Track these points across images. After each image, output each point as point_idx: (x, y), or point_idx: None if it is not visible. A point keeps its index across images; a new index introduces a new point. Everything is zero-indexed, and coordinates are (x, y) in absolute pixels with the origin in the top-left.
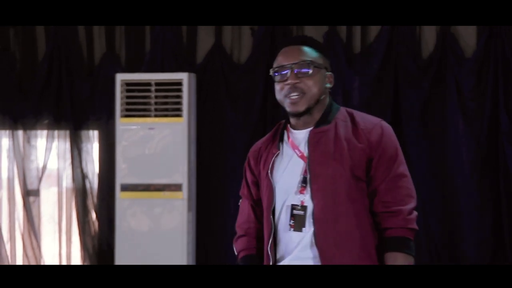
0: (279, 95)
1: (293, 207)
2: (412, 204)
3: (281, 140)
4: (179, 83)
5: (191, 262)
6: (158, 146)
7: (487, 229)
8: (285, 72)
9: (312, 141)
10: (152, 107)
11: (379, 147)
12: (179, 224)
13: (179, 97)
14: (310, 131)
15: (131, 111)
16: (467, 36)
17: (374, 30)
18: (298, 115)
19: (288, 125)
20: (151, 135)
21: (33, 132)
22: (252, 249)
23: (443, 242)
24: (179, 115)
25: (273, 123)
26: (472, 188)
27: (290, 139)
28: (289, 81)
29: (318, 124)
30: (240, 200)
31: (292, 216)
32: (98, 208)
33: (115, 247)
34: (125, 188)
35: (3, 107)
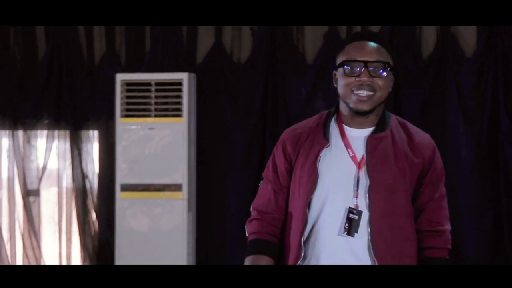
0: (344, 89)
1: (351, 210)
2: (449, 225)
3: (328, 131)
4: (179, 83)
5: (191, 262)
6: (158, 146)
7: (487, 229)
8: (357, 67)
9: (370, 146)
10: (152, 107)
11: (431, 164)
12: (179, 224)
13: (179, 97)
14: (368, 137)
15: (131, 111)
16: (467, 36)
17: (374, 30)
18: (361, 113)
19: (341, 120)
20: (151, 135)
21: (33, 132)
22: (264, 235)
23: None
24: (179, 115)
25: (273, 123)
26: (472, 188)
27: (346, 136)
28: (362, 79)
29: (376, 130)
30: (261, 181)
31: (348, 219)
32: (98, 208)
33: (115, 247)
34: (125, 188)
35: (3, 107)
